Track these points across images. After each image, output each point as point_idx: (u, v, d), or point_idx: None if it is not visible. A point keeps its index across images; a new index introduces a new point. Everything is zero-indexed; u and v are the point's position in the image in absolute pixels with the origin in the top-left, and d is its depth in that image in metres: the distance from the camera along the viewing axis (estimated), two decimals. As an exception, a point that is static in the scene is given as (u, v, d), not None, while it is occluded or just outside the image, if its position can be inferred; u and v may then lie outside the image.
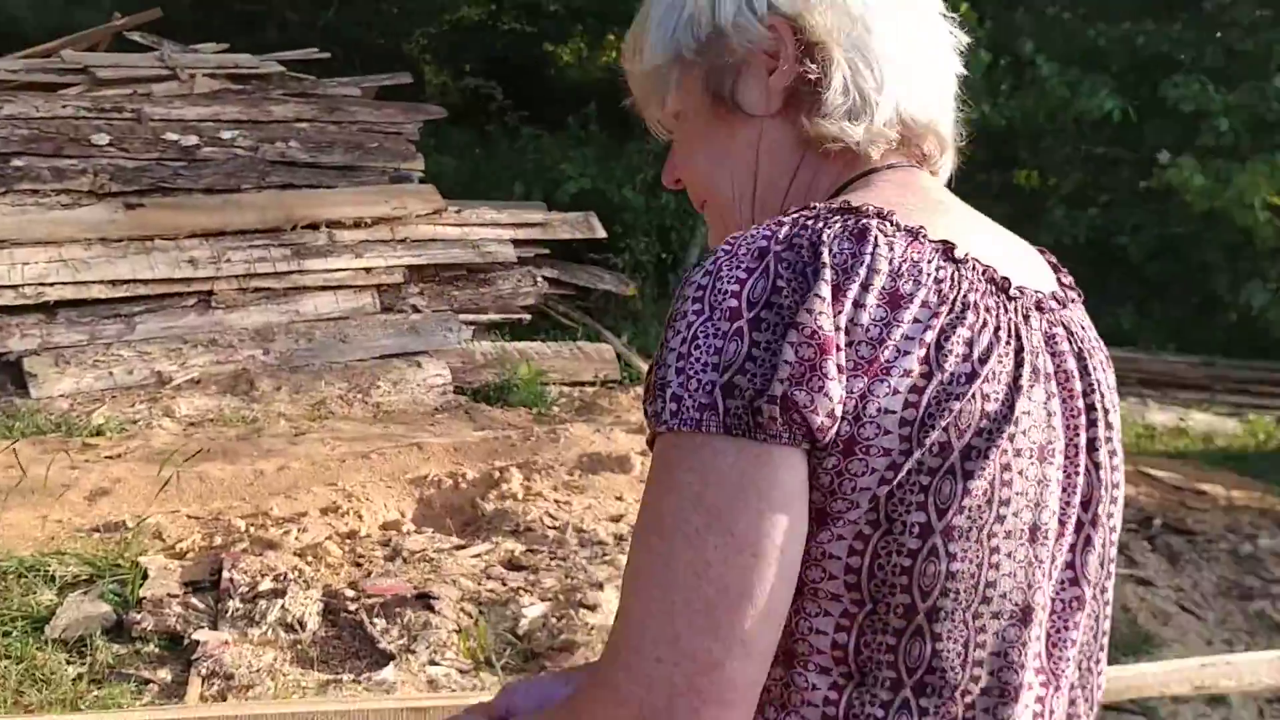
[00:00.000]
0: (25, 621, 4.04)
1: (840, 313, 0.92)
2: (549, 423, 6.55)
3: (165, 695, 3.72)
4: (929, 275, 0.96)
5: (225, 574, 4.35)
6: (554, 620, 4.26)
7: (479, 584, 4.52)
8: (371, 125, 8.22)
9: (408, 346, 7.09)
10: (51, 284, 6.39)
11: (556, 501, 5.22)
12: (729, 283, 0.93)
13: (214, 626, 4.10)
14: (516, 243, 7.90)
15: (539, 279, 7.99)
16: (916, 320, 0.94)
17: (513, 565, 4.72)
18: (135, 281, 6.60)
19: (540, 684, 1.47)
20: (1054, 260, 1.18)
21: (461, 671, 3.99)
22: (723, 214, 1.18)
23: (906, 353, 0.93)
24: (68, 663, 3.88)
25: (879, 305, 0.93)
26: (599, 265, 8.81)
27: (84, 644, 3.96)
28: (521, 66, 12.77)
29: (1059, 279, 1.14)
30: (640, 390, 6.26)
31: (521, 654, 4.14)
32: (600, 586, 4.48)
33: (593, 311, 8.69)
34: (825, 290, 0.91)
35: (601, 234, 8.39)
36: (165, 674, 3.89)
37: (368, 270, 7.24)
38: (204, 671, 3.84)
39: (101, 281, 6.53)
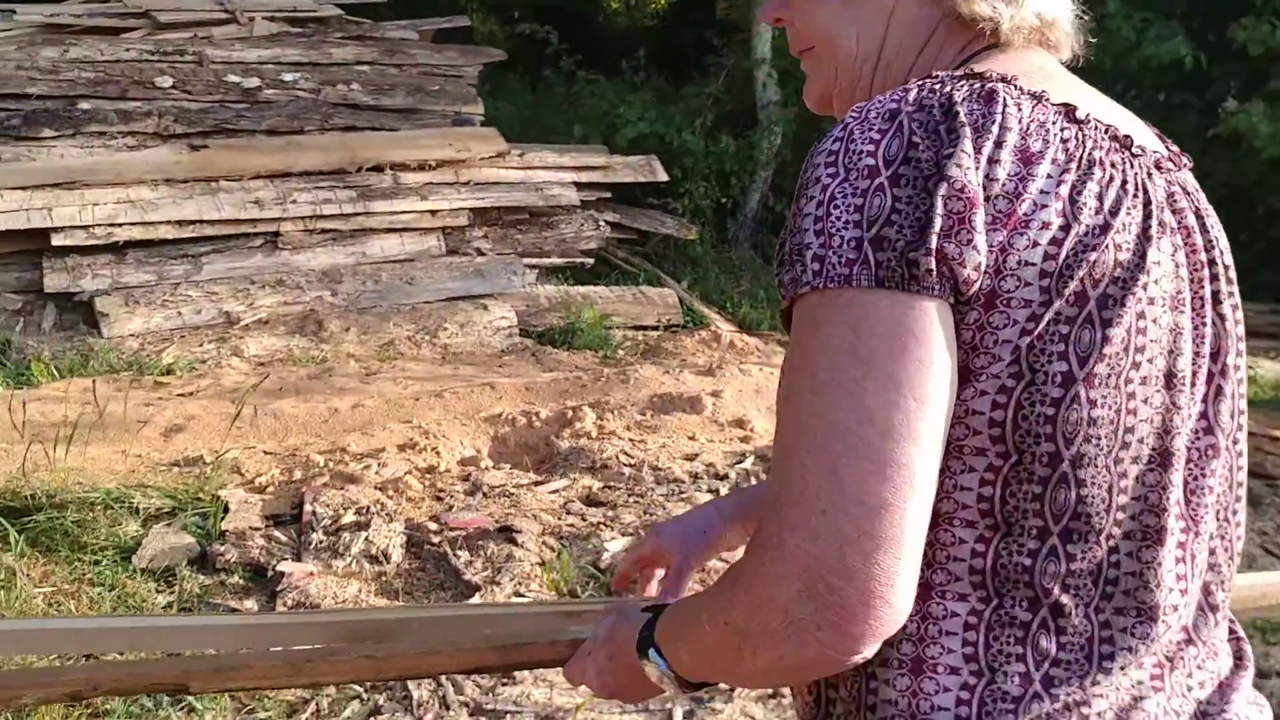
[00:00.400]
0: (114, 551, 4.07)
1: (978, 168, 0.93)
2: (616, 365, 6.52)
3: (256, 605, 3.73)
4: (1055, 135, 0.97)
5: (307, 507, 4.35)
6: (636, 555, 4.24)
7: (559, 519, 4.51)
8: (432, 68, 8.18)
9: (473, 289, 7.06)
10: (120, 224, 6.40)
11: (631, 440, 5.19)
12: (863, 144, 0.94)
13: (297, 558, 4.11)
14: (578, 186, 7.85)
15: (601, 223, 7.94)
16: (1049, 176, 0.95)
17: (591, 501, 4.70)
18: (202, 222, 6.61)
19: (683, 521, 1.52)
20: (1159, 132, 1.18)
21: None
22: (838, 70, 1.17)
23: (1044, 206, 0.94)
24: (157, 591, 3.90)
25: (1014, 161, 0.94)
26: (659, 210, 8.74)
27: (170, 574, 3.98)
28: (570, 13, 12.65)
29: (1166, 147, 1.14)
30: (704, 334, 6.18)
31: (604, 587, 4.12)
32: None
33: (652, 257, 8.63)
34: (968, 146, 0.92)
35: (664, 177, 8.32)
36: (251, 604, 3.90)
37: (433, 213, 7.21)
38: (290, 602, 3.85)
39: (169, 222, 6.54)
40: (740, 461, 5.09)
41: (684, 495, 4.73)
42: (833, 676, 1.03)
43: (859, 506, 0.89)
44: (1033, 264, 0.93)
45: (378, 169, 7.19)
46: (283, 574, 3.97)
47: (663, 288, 7.94)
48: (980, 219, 0.92)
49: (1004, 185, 0.93)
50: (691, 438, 5.34)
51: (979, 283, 0.92)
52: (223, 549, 4.10)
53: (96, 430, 4.89)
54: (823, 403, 0.91)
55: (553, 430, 5.32)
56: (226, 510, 4.33)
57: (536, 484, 4.78)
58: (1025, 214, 0.93)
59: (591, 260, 7.99)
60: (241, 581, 4.02)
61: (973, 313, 0.93)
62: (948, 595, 0.98)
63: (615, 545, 4.31)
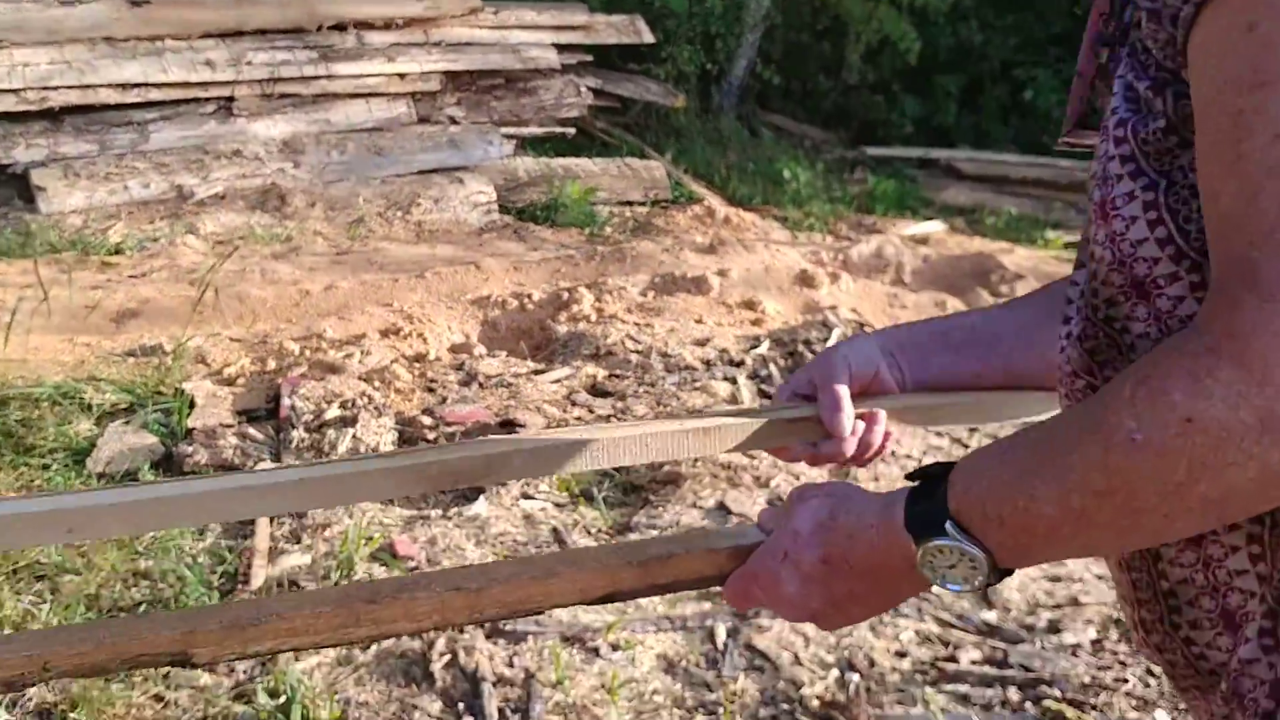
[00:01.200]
0: (65, 454, 3.60)
1: None
2: (608, 243, 6.04)
3: (230, 535, 3.28)
4: None
5: (284, 401, 3.89)
6: (653, 451, 3.81)
7: (564, 411, 4.07)
8: (393, -85, 7.47)
9: (447, 162, 6.51)
10: (55, 87, 5.77)
11: (636, 324, 4.74)
12: None
13: (276, 458, 3.66)
14: (557, 48, 7.25)
15: (582, 89, 7.36)
16: None
17: (597, 391, 4.27)
18: (147, 85, 5.98)
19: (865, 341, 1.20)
20: None
21: (558, 505, 3.57)
22: None
23: None
24: (117, 499, 3.43)
25: None
26: (642, 75, 8.15)
27: (131, 478, 3.51)
28: None
29: None
30: (697, 210, 5.65)
31: (620, 486, 3.72)
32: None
33: (633, 127, 8.08)
34: None
35: (649, 39, 7.72)
36: (227, 511, 3.45)
37: (401, 76, 6.61)
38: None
39: (109, 85, 5.91)
40: (755, 346, 4.66)
41: (698, 384, 4.31)
42: None
43: None
44: None
45: (340, 27, 6.56)
46: (260, 477, 3.52)
47: (648, 160, 7.41)
48: None
49: None
50: (699, 321, 4.90)
51: None
52: (190, 449, 3.64)
53: (39, 317, 4.38)
54: None
55: (547, 314, 4.86)
56: (192, 405, 3.86)
57: (536, 373, 4.33)
58: None
59: (573, 130, 7.44)
60: (213, 486, 3.56)
61: None
62: None
63: (630, 440, 3.89)
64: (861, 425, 1.15)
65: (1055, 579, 3.17)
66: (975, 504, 0.81)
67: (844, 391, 1.13)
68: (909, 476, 0.88)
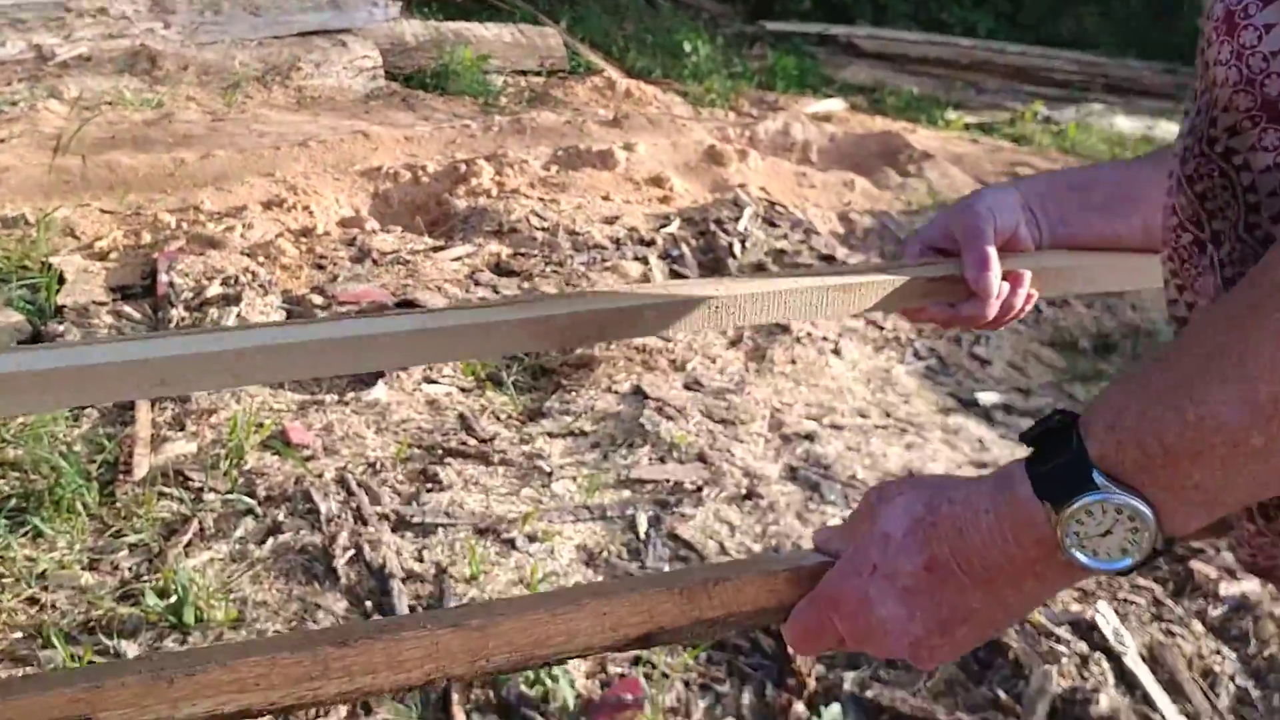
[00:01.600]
0: (-82, 333, 3.27)
1: None
2: (502, 114, 5.75)
3: (108, 421, 3.03)
4: None
5: (161, 277, 3.60)
6: (562, 332, 3.63)
7: (466, 290, 3.86)
8: None
9: (329, 24, 6.11)
10: (-109, -69, 5.22)
11: (541, 200, 4.51)
12: None
13: (155, 340, 3.38)
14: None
15: (475, -52, 6.98)
16: None
17: (502, 270, 4.05)
18: (-3, -68, 5.45)
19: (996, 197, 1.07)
20: None
21: (464, 390, 3.38)
22: None
23: None
24: (-21, 383, 3.13)
25: None
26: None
27: (-7, 359, 3.21)
28: None
29: None
30: (596, 81, 5.40)
31: (530, 370, 3.54)
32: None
33: (525, -7, 7.71)
34: None
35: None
36: (103, 396, 3.18)
37: (278, -72, 6.16)
38: (155, 395, 3.14)
39: (-46, -69, 5.37)
40: (665, 225, 4.47)
41: (608, 264, 4.12)
42: None
43: None
44: None
45: None
46: (139, 359, 3.25)
47: (542, 28, 7.08)
48: None
49: None
50: (606, 198, 4.69)
51: None
52: (61, 327, 3.36)
53: (-117, 184, 3.97)
54: None
55: (444, 187, 4.60)
56: (62, 281, 3.55)
57: (435, 250, 4.09)
58: None
59: (463, -7, 7.06)
60: (86, 368, 3.27)
61: None
62: None
63: (536, 321, 3.69)
64: (1006, 286, 1.03)
65: (982, 465, 3.10)
66: (1128, 438, 0.63)
67: (993, 250, 1.02)
68: (1022, 438, 0.69)
